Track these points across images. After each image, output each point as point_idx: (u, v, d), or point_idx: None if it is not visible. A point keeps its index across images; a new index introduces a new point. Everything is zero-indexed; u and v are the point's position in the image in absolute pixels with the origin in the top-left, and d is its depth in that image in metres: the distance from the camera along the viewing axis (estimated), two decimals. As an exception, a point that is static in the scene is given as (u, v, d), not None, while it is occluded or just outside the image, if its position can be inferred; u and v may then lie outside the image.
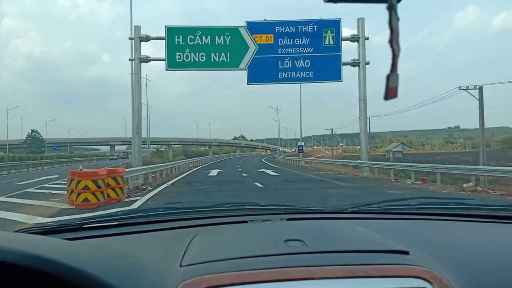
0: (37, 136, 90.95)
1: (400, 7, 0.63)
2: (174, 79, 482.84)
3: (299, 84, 47.90)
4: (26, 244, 0.74)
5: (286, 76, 20.98)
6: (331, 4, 0.67)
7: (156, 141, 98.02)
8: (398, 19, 0.63)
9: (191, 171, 27.16)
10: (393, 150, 60.86)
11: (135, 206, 9.12)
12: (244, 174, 21.08)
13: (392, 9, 0.62)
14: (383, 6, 0.63)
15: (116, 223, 1.45)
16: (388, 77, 0.65)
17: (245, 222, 1.43)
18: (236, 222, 1.44)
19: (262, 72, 20.69)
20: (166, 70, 17.96)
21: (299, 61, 21.03)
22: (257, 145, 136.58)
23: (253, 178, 17.72)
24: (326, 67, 20.72)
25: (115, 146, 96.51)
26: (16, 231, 1.28)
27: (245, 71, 20.30)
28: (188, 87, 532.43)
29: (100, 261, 0.79)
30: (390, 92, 0.65)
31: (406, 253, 0.92)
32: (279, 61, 20.86)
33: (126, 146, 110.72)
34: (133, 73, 17.91)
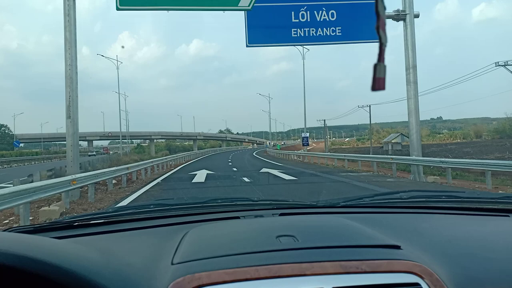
0: (6, 131, 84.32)
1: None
2: (158, 73, 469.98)
3: (304, 50, 41.86)
4: (13, 243, 0.70)
5: (302, 34, 14.39)
6: None
7: (137, 135, 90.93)
8: (384, 7, 0.60)
9: (169, 173, 20.10)
10: (392, 141, 54.51)
11: None
12: (246, 179, 13.78)
13: None
14: None
15: (106, 220, 1.42)
16: (375, 66, 0.62)
17: (238, 218, 1.40)
18: (228, 218, 1.41)
19: (268, 27, 14.05)
20: (117, 9, 10.50)
21: (320, 12, 14.43)
22: (244, 138, 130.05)
23: (263, 189, 10.93)
24: (359, 21, 14.14)
25: (93, 141, 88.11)
26: (4, 230, 1.26)
27: (244, 23, 13.66)
28: (171, 81, 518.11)
29: (89, 259, 0.77)
30: (378, 83, 0.63)
31: (398, 247, 0.92)
32: (292, 12, 14.27)
33: (109, 141, 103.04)
34: (64, 13, 10.68)
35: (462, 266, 0.91)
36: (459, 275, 0.85)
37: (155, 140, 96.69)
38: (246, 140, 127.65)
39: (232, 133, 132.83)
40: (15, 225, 6.60)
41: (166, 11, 11.24)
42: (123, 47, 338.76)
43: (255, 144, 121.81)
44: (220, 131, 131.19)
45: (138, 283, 0.75)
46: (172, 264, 0.85)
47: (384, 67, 0.62)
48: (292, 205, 1.62)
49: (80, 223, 1.37)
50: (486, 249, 1.03)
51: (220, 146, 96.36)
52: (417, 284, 0.79)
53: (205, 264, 0.82)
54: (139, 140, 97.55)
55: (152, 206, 1.58)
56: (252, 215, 1.43)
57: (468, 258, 0.96)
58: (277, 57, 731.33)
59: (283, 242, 0.95)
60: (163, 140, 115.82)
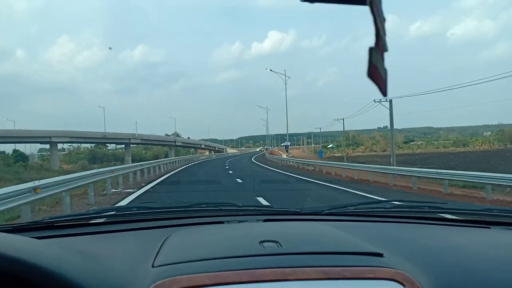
0: None
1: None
2: (100, 76, 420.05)
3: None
4: None
5: None
6: None
7: (27, 136, 54.49)
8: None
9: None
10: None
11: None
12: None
13: None
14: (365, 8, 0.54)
15: (87, 222, 1.41)
16: (370, 50, 0.56)
17: (221, 222, 1.40)
18: (212, 222, 1.41)
19: None
20: None
21: None
22: (200, 144, 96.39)
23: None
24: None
25: None
26: None
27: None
28: (115, 85, 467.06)
29: (68, 261, 0.75)
30: (373, 71, 0.57)
31: (380, 255, 0.92)
32: None
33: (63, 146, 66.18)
34: None
35: (443, 275, 0.91)
36: (440, 284, 0.86)
37: (59, 145, 61.41)
38: (203, 146, 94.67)
39: (181, 137, 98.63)
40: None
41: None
42: (110, 48, 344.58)
43: (212, 152, 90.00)
44: (167, 135, 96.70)
45: (117, 285, 0.74)
46: (153, 267, 0.85)
47: (380, 57, 0.56)
48: (276, 212, 1.63)
49: (61, 223, 1.37)
50: (467, 259, 1.04)
51: (167, 155, 62.62)
52: None
53: (186, 268, 0.81)
54: (28, 143, 62.05)
55: (135, 209, 1.59)
56: (236, 220, 1.43)
57: (449, 268, 0.97)
58: (226, 65, 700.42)
59: (266, 247, 0.94)
60: (88, 146, 79.85)
